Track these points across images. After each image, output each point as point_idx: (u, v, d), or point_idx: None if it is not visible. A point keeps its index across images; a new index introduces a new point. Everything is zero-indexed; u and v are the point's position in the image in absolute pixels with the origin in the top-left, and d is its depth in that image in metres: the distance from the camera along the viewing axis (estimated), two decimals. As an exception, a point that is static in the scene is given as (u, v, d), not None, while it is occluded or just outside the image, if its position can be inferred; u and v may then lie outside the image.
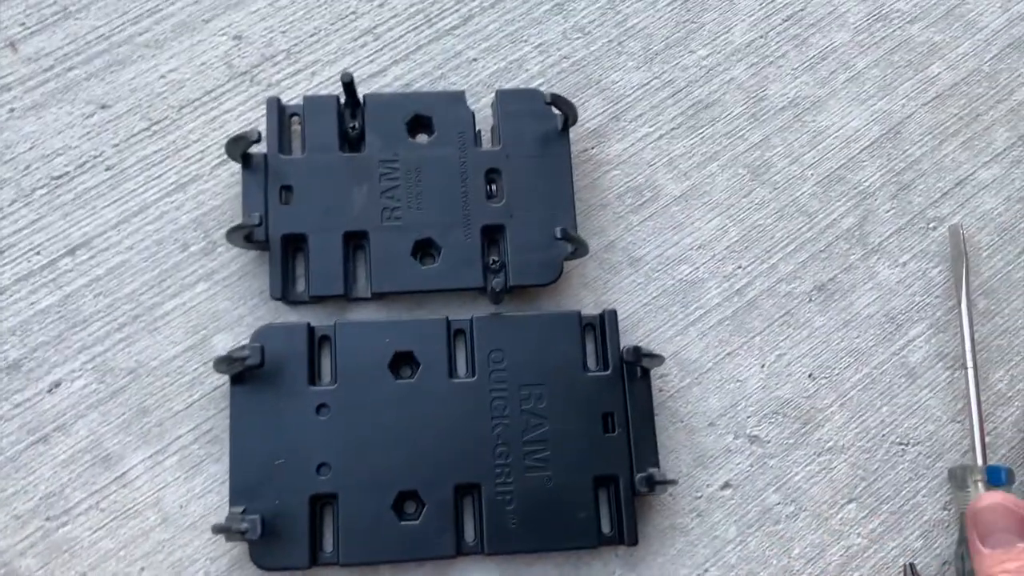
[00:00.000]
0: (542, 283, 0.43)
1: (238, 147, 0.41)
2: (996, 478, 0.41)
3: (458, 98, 0.45)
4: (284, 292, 0.42)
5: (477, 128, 0.45)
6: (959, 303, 0.44)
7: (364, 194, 0.43)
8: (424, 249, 0.43)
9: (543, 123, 0.44)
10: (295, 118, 0.44)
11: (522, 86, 0.46)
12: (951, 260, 0.46)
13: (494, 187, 0.44)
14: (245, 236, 0.41)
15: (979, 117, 0.49)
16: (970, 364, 0.43)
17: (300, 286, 0.43)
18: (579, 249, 0.42)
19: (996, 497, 0.39)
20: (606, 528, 0.41)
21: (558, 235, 0.40)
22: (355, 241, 0.43)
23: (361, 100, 0.44)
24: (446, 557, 0.40)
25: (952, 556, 0.43)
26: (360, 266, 0.43)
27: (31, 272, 0.42)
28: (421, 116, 0.44)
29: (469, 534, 0.41)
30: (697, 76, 0.48)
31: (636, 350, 0.41)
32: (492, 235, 0.44)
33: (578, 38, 0.48)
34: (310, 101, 0.44)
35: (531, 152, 0.44)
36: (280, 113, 0.44)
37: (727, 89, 0.48)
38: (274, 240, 0.42)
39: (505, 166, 0.44)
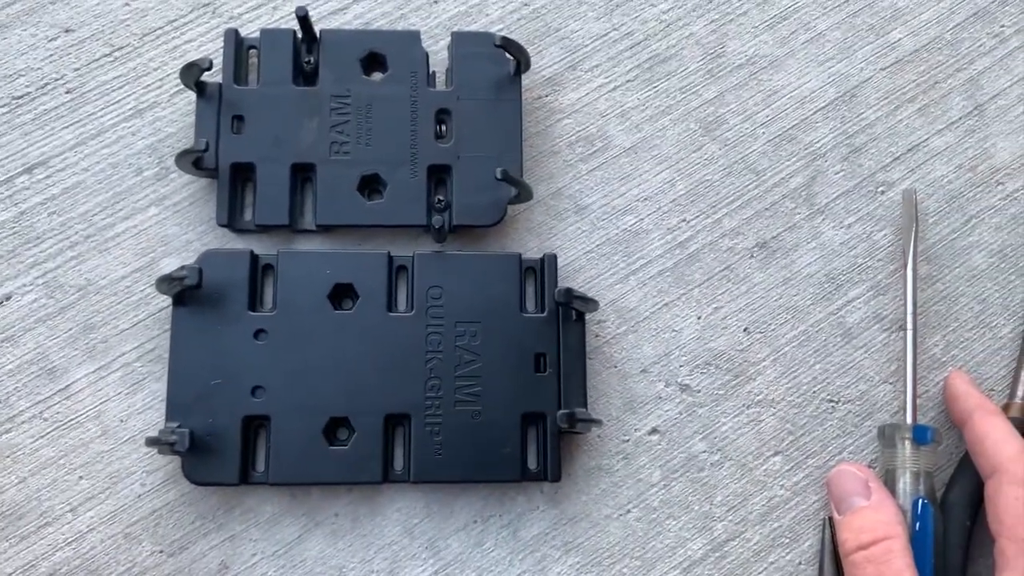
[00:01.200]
0: (485, 224, 0.44)
1: (191, 74, 0.42)
2: (922, 437, 0.42)
3: (413, 38, 0.45)
4: (231, 219, 0.43)
5: (432, 69, 0.45)
6: (905, 265, 0.45)
7: (314, 128, 0.44)
8: (370, 185, 0.44)
9: (497, 67, 0.45)
10: (252, 51, 0.45)
11: (481, 31, 0.47)
12: (902, 223, 0.46)
13: (443, 127, 0.44)
14: (194, 162, 0.42)
15: (937, 85, 0.49)
16: (910, 326, 0.44)
17: (247, 215, 0.44)
18: (522, 192, 0.43)
19: (843, 465, 0.42)
20: (532, 464, 0.42)
21: (498, 176, 0.41)
22: (303, 173, 0.44)
23: (317, 35, 0.45)
24: (373, 483, 0.41)
25: (873, 513, 0.44)
26: (307, 198, 0.44)
27: (-12, 188, 0.44)
28: (376, 54, 0.45)
29: (398, 463, 0.42)
30: (656, 30, 0.48)
31: (568, 291, 0.42)
32: (439, 175, 0.44)
33: (540, -14, 0.48)
34: (267, 34, 0.45)
35: (483, 95, 0.45)
36: (237, 45, 0.44)
37: (685, 44, 0.48)
38: (223, 168, 0.43)
39: (456, 107, 0.44)
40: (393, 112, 0.44)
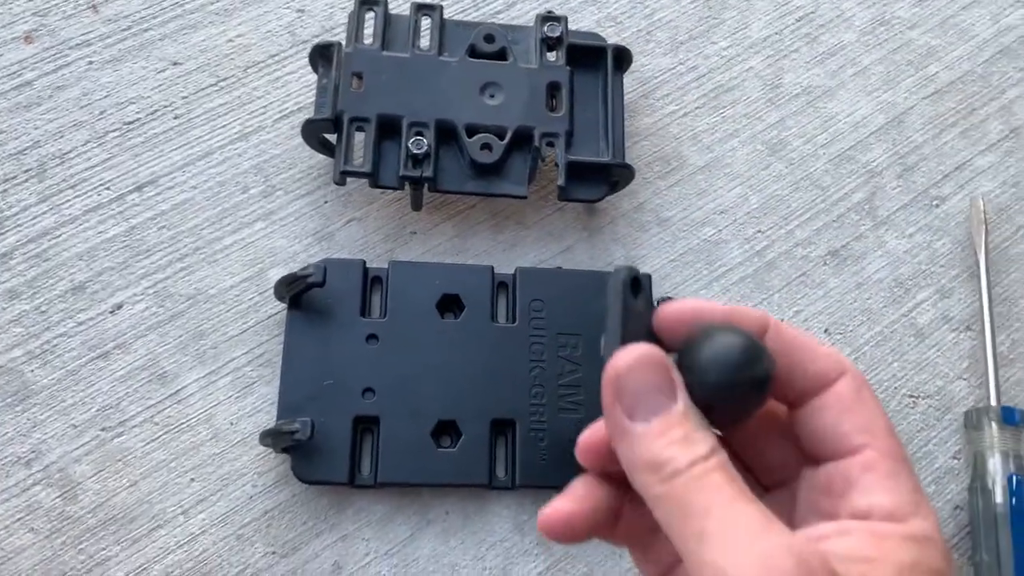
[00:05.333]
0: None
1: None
2: (1010, 417, 0.44)
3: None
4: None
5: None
6: (977, 263, 0.48)
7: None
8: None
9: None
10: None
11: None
12: (972, 225, 0.49)
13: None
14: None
15: (975, 111, 0.53)
16: (987, 316, 0.47)
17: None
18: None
19: (641, 349, 0.26)
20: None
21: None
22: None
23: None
24: (479, 486, 0.42)
25: (963, 501, 0.45)
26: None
27: (100, 204, 0.45)
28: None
29: (500, 468, 0.43)
30: (718, 64, 0.52)
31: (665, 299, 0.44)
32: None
33: (611, 26, 0.52)
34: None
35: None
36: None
37: (746, 76, 0.52)
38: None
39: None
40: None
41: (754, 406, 0.26)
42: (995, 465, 0.43)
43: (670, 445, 0.25)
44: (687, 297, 0.34)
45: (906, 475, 0.26)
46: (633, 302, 0.27)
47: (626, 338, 0.26)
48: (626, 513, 0.29)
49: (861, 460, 0.26)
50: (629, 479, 0.26)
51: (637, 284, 0.27)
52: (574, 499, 0.29)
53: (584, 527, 0.29)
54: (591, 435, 0.28)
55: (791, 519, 0.28)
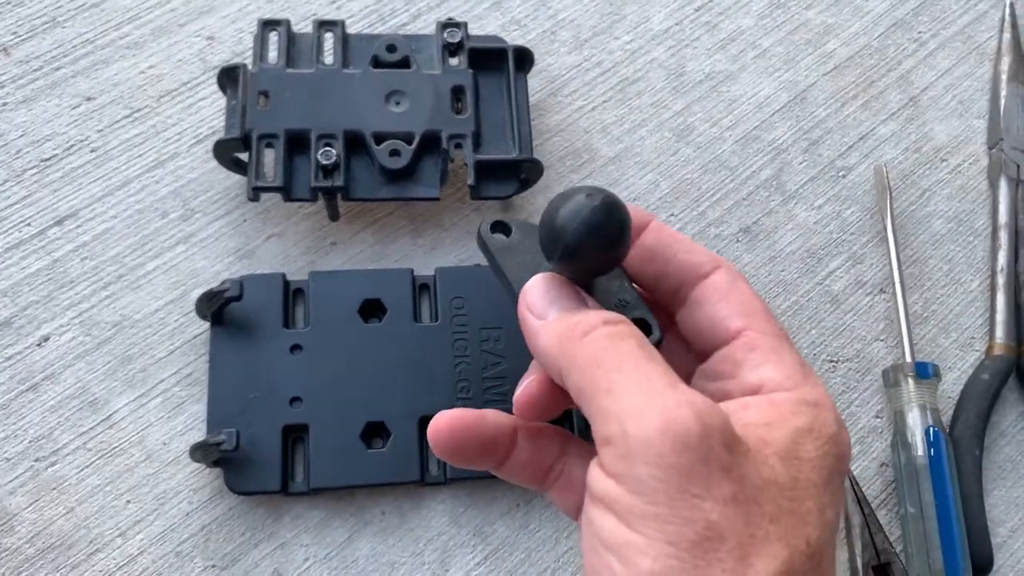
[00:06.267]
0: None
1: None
2: (924, 372, 0.45)
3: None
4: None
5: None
6: (885, 227, 0.50)
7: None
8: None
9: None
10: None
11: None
12: (877, 192, 0.51)
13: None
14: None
15: (874, 83, 0.55)
16: (897, 278, 0.48)
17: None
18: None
19: (544, 276, 0.29)
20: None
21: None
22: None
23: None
24: (411, 483, 0.43)
25: (889, 458, 0.46)
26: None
27: (22, 241, 0.46)
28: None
29: (432, 464, 0.43)
30: (623, 58, 0.54)
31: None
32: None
33: (516, 30, 0.54)
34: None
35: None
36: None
37: (650, 68, 0.54)
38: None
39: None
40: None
41: (612, 252, 0.27)
42: (914, 419, 0.44)
43: (583, 314, 0.27)
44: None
45: (788, 349, 0.28)
46: (506, 240, 0.31)
47: (511, 271, 0.30)
48: (518, 452, 0.31)
49: (743, 342, 0.28)
50: (546, 368, 0.28)
51: (501, 225, 0.31)
52: (466, 412, 0.30)
53: (472, 440, 0.30)
54: (523, 392, 0.30)
55: None
